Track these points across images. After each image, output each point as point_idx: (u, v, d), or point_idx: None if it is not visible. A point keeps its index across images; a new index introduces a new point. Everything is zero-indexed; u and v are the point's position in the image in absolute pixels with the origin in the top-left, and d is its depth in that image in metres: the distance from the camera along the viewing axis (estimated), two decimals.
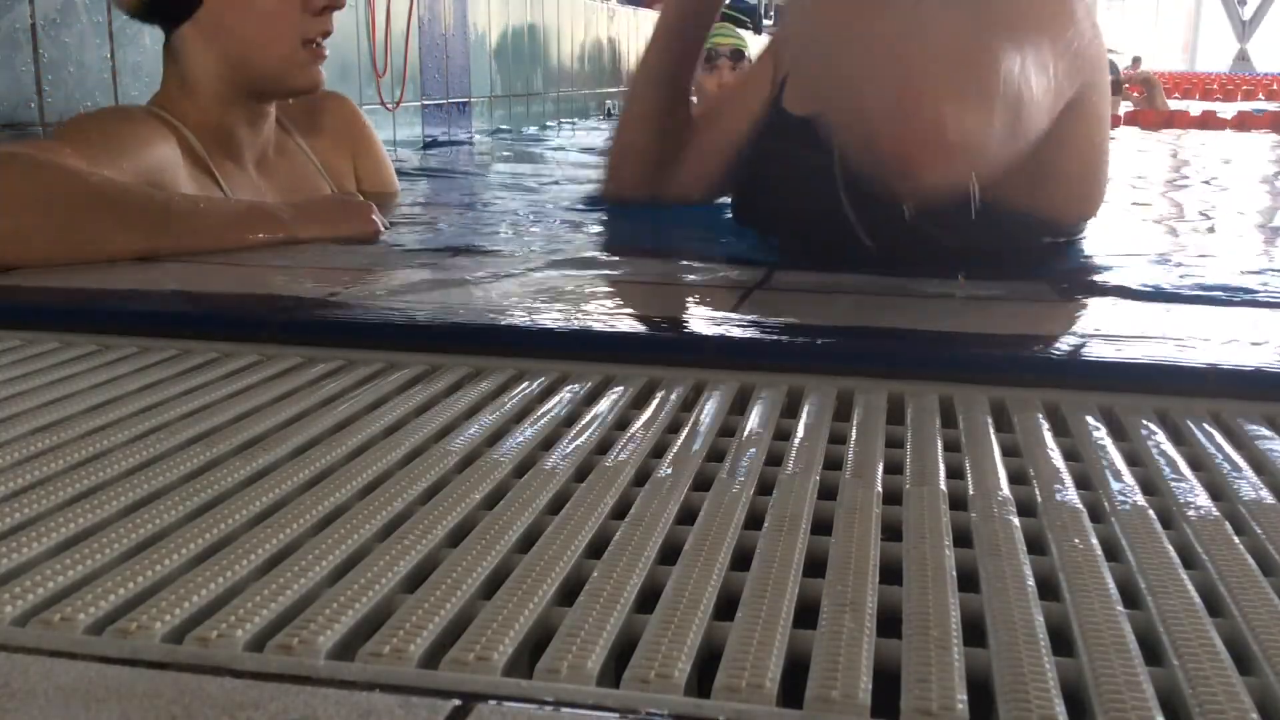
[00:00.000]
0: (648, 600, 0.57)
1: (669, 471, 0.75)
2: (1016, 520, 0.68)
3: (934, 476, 0.75)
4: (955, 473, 0.77)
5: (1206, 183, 2.64)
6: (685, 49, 1.80)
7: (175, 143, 1.58)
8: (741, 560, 0.62)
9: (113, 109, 1.81)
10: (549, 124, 4.27)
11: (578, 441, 0.81)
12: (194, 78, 1.66)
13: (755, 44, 5.15)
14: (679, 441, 0.81)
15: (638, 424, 0.85)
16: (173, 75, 1.68)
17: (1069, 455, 0.81)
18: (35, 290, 1.21)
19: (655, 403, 0.90)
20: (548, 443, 0.82)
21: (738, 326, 1.07)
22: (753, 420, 0.86)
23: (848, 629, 0.54)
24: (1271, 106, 5.52)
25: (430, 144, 3.21)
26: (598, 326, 1.06)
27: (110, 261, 1.34)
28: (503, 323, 1.09)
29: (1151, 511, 0.70)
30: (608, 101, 5.11)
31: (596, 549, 0.64)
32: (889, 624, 0.55)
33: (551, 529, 0.65)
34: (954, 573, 0.60)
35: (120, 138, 1.49)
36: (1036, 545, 0.65)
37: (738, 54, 4.86)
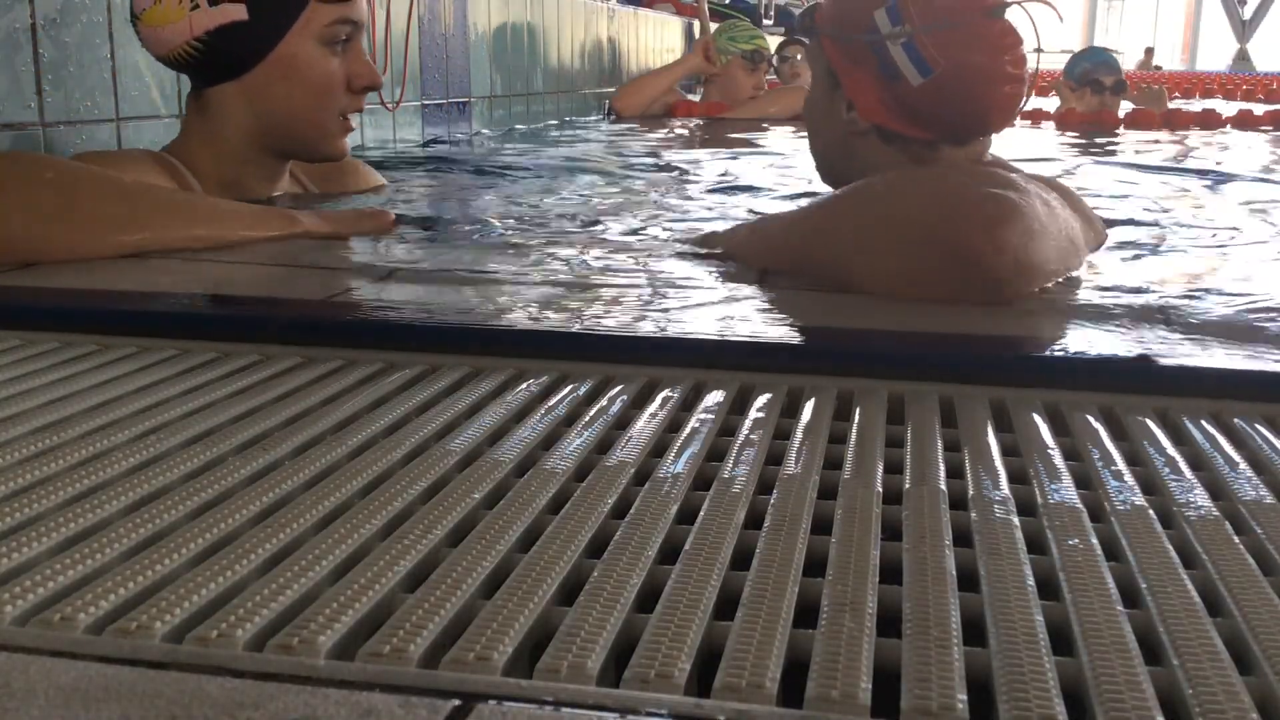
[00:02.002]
0: (648, 600, 0.57)
1: (669, 471, 0.75)
2: (1016, 520, 0.68)
3: (934, 476, 0.75)
4: (955, 473, 0.77)
5: (1206, 182, 2.63)
6: None
7: (174, 185, 1.59)
8: (741, 560, 0.62)
9: (112, 151, 1.82)
10: (550, 122, 4.27)
11: (578, 441, 0.81)
12: (224, 133, 1.68)
13: None
14: (679, 441, 0.81)
15: (638, 424, 0.85)
16: (197, 125, 1.70)
17: (1069, 455, 0.81)
18: (35, 290, 1.21)
19: (655, 403, 0.90)
20: (548, 443, 0.82)
21: (738, 326, 1.07)
22: (752, 420, 0.86)
23: (848, 629, 0.54)
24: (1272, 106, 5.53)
25: (430, 143, 3.21)
26: (598, 326, 1.06)
27: (124, 255, 1.34)
28: (503, 323, 1.09)
29: (1151, 511, 0.70)
30: (606, 100, 5.11)
31: (596, 549, 0.64)
32: (889, 624, 0.55)
33: (551, 529, 0.65)
34: (954, 573, 0.60)
35: (119, 169, 1.50)
36: (1036, 545, 0.65)
37: (770, 59, 5.03)
